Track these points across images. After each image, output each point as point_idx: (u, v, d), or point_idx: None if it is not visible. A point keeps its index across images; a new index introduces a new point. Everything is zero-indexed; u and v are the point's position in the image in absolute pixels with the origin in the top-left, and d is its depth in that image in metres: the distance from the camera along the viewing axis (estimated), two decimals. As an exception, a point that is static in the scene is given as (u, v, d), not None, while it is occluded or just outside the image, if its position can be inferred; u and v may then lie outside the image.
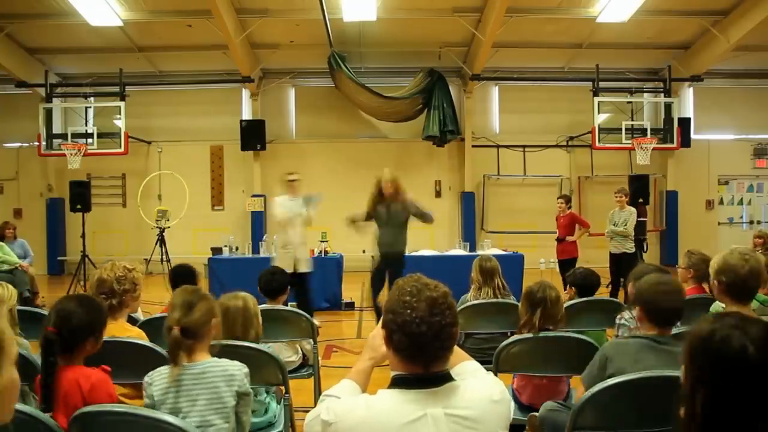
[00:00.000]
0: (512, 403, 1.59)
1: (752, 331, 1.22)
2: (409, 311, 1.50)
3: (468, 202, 12.95)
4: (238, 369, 2.19)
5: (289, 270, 6.78)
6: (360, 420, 1.49)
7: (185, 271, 3.85)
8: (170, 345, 2.14)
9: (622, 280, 8.72)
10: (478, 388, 1.58)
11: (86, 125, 12.30)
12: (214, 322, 2.26)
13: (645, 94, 12.96)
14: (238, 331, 2.76)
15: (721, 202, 13.74)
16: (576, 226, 8.39)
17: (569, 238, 8.25)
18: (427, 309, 1.50)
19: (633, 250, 8.07)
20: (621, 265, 7.76)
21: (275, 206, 6.82)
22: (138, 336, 2.80)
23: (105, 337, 2.71)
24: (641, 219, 8.95)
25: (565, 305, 3.71)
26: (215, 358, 2.22)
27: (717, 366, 1.22)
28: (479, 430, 1.50)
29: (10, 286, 3.06)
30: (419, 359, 1.52)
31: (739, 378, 1.20)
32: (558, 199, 8.89)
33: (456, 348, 1.66)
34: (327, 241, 8.59)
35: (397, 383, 1.54)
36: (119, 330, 2.80)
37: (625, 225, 7.86)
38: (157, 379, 2.16)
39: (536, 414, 2.68)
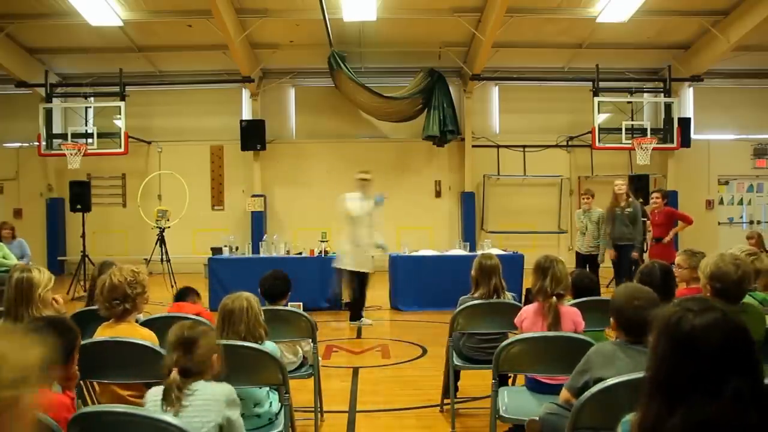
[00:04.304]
0: None
1: (698, 319, 1.36)
2: None
3: (468, 202, 12.95)
4: (223, 393, 2.09)
5: (361, 269, 6.90)
6: None
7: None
8: (167, 386, 2.04)
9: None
10: None
11: (86, 125, 12.30)
12: (214, 358, 2.17)
13: (645, 94, 12.95)
14: (242, 331, 2.71)
15: (721, 202, 13.74)
16: (673, 223, 7.61)
17: (666, 239, 7.49)
18: None
19: (598, 252, 7.81)
20: (587, 265, 7.64)
21: (345, 202, 6.91)
22: (149, 337, 2.81)
23: (114, 337, 2.78)
24: (641, 219, 8.68)
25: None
26: (204, 382, 2.13)
27: (671, 343, 1.38)
28: None
29: (46, 271, 3.07)
30: None
31: (685, 354, 1.34)
32: (652, 193, 7.83)
33: None
34: (327, 241, 8.58)
35: None
36: (130, 331, 2.83)
37: (598, 234, 7.67)
38: (151, 400, 2.09)
39: (536, 419, 2.67)
